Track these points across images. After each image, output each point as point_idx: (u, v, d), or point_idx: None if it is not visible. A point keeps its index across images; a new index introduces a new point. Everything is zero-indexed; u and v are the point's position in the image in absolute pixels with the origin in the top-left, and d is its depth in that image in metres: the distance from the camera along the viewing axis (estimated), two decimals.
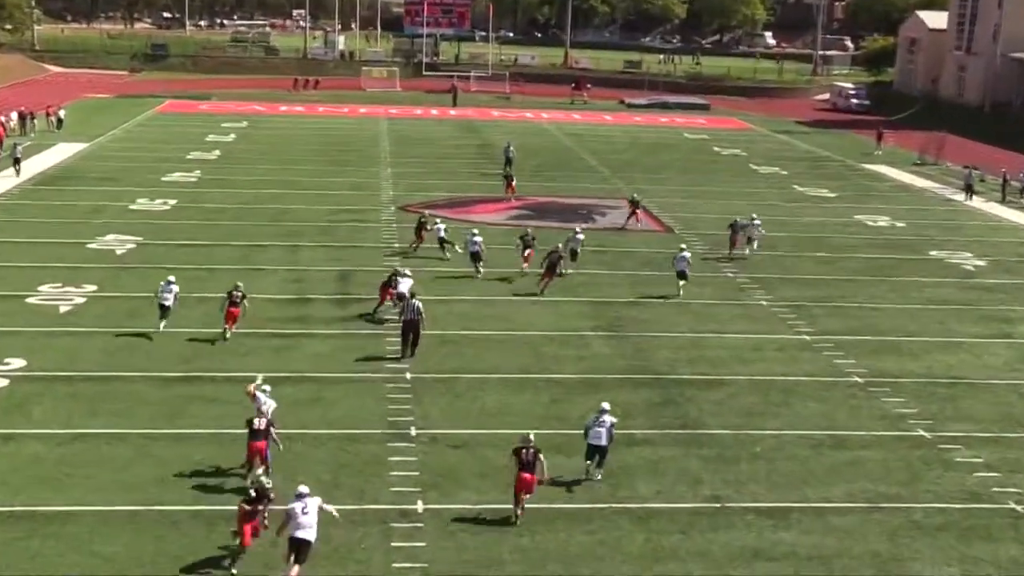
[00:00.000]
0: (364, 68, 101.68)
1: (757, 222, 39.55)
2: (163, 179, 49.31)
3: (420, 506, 19.40)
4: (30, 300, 30.54)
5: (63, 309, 29.92)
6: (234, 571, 16.98)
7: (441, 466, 21.05)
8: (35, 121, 61.67)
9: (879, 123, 75.85)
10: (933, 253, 41.35)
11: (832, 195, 53.02)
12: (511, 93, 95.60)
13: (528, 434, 19.56)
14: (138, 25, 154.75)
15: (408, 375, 25.72)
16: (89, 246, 36.76)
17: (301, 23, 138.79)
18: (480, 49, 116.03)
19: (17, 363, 25.48)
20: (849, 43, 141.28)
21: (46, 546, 17.53)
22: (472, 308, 31.53)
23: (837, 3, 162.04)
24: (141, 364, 25.84)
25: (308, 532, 16.66)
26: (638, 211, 42.86)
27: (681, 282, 33.41)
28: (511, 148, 54.73)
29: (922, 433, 23.90)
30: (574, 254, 35.65)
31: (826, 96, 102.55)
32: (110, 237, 37.91)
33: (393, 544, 18.06)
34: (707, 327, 30.72)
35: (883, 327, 31.53)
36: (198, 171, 51.93)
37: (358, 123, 73.37)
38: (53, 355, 26.19)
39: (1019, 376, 27.90)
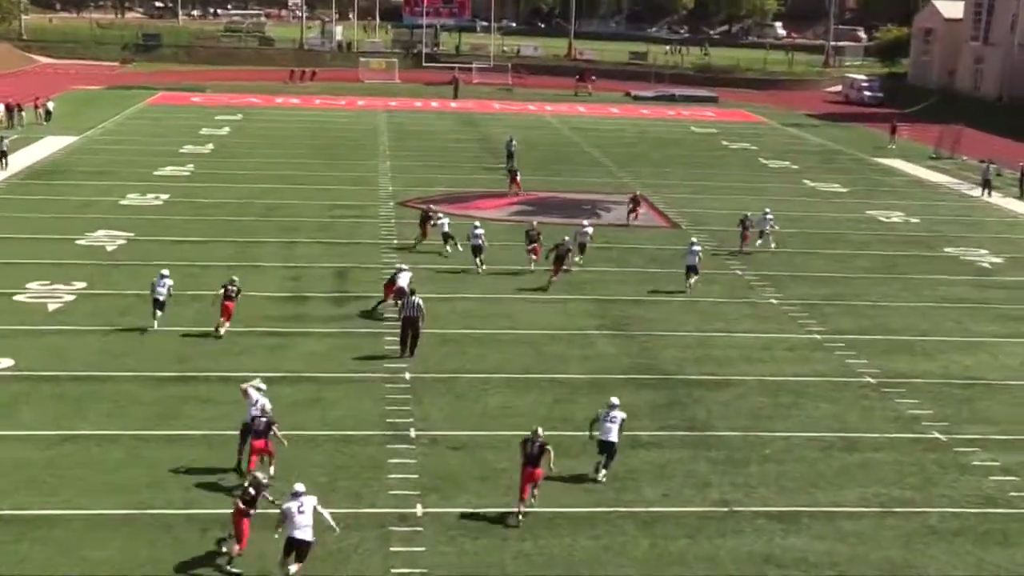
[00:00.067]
0: (362, 59, 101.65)
1: (770, 217, 39.55)
2: (155, 173, 49.32)
3: (419, 510, 19.39)
4: (18, 298, 30.55)
5: (52, 307, 29.93)
6: (232, 568, 17.03)
7: (441, 469, 21.05)
8: (23, 113, 61.69)
9: (893, 116, 75.81)
10: (948, 250, 41.33)
11: (844, 190, 53.00)
12: (513, 85, 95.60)
13: (536, 427, 19.69)
14: (129, 14, 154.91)
15: (408, 375, 25.72)
16: (79, 242, 36.78)
17: (297, 13, 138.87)
18: (482, 40, 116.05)
19: (4, 363, 25.47)
20: (862, 33, 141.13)
21: (34, 551, 17.52)
22: (474, 306, 31.54)
23: None
24: (132, 363, 25.86)
25: (305, 532, 16.77)
26: (638, 208, 42.86)
27: (691, 279, 33.49)
28: (513, 142, 54.72)
29: (937, 435, 23.89)
30: (583, 247, 35.76)
31: (838, 88, 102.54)
32: (100, 233, 37.93)
33: (392, 549, 18.05)
34: (715, 326, 30.72)
35: (896, 326, 31.52)
36: (191, 165, 51.94)
37: (356, 116, 73.38)
38: (41, 354, 26.19)
39: None
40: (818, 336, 30.28)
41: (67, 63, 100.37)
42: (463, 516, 19.18)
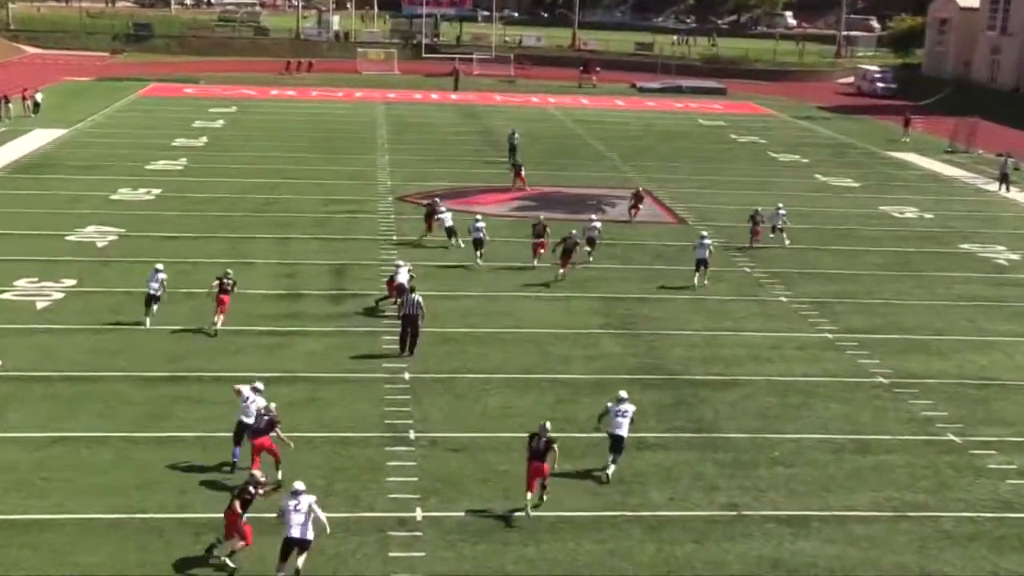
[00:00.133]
0: (360, 50, 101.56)
1: (783, 212, 39.57)
2: (147, 167, 49.36)
3: (419, 513, 19.42)
4: (5, 296, 30.58)
5: (40, 305, 29.97)
6: (231, 563, 17.15)
7: (441, 471, 21.07)
8: (10, 106, 61.68)
9: (906, 108, 75.73)
10: (963, 246, 41.33)
11: (856, 185, 52.99)
12: (516, 77, 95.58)
13: (545, 422, 19.80)
14: (120, 3, 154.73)
15: (407, 375, 25.75)
16: (68, 238, 36.82)
17: (293, 2, 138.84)
18: (483, 30, 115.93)
19: None
20: (875, 23, 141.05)
21: (23, 556, 17.56)
22: (476, 304, 31.57)
23: None
24: (123, 363, 25.90)
25: (301, 530, 16.94)
26: (640, 204, 42.82)
27: (698, 273, 33.61)
28: (516, 135, 54.72)
29: (952, 437, 23.90)
30: (591, 242, 35.81)
31: (850, 79, 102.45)
32: (90, 229, 37.97)
33: (390, 554, 18.09)
34: (723, 324, 30.73)
35: (910, 325, 31.53)
36: (184, 159, 51.97)
37: (354, 108, 73.40)
38: (29, 354, 26.22)
39: None
40: (829, 335, 30.29)
41: (56, 53, 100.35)
42: (463, 520, 19.21)
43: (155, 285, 28.22)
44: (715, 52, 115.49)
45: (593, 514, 19.74)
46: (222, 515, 17.66)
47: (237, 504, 17.38)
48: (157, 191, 44.54)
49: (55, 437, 21.84)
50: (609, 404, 21.25)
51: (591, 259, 35.56)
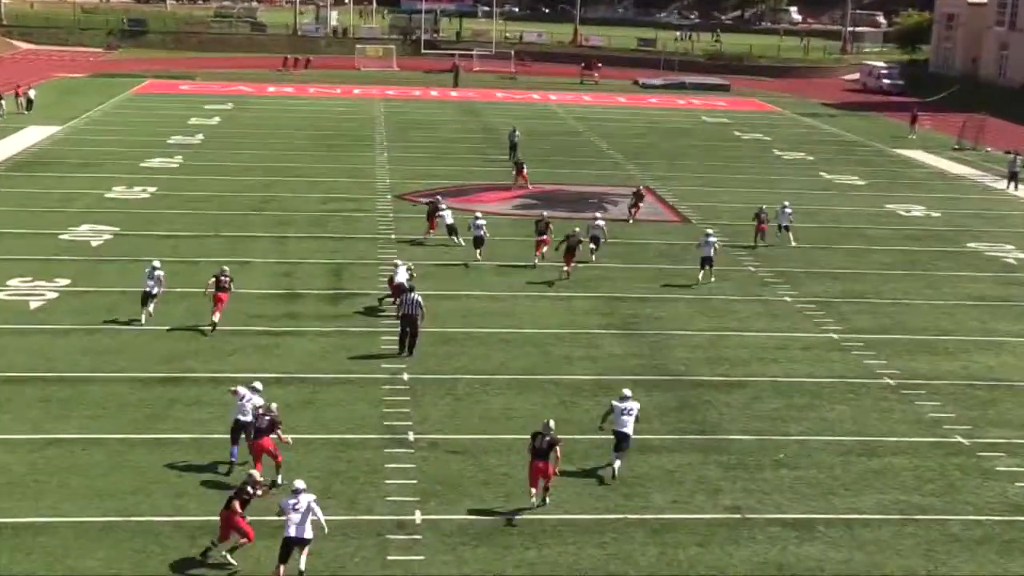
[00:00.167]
0: (358, 46, 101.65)
1: (789, 211, 39.57)
2: (142, 165, 49.36)
3: (418, 517, 19.40)
4: None
5: (34, 305, 29.96)
6: (231, 559, 17.19)
7: (441, 474, 21.06)
8: (3, 103, 61.59)
9: (913, 105, 75.80)
10: (971, 245, 41.32)
11: (862, 183, 52.97)
12: (517, 73, 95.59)
13: (548, 421, 19.79)
14: None
15: (406, 376, 25.75)
16: (62, 237, 36.82)
17: None
18: (483, 26, 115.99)
19: None
20: (881, 19, 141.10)
21: (16, 560, 17.55)
22: (476, 304, 31.56)
23: None
24: (118, 364, 25.89)
25: (300, 529, 16.98)
26: (640, 203, 42.79)
27: (703, 271, 33.66)
28: (517, 133, 54.74)
29: (960, 439, 23.88)
30: (595, 240, 35.79)
31: (856, 76, 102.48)
32: (85, 227, 37.97)
33: (389, 558, 18.07)
34: (727, 325, 30.72)
35: (917, 325, 31.52)
36: (180, 156, 51.97)
37: (352, 105, 73.39)
38: (23, 355, 26.22)
39: None
40: (835, 335, 30.27)
41: (49, 49, 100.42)
42: (463, 523, 19.20)
43: (150, 283, 28.24)
44: (719, 48, 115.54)
45: (595, 517, 19.72)
46: (218, 517, 17.65)
47: (236, 504, 17.39)
48: (152, 189, 44.54)
49: (49, 439, 21.82)
50: (614, 402, 21.27)
51: (594, 258, 35.57)
